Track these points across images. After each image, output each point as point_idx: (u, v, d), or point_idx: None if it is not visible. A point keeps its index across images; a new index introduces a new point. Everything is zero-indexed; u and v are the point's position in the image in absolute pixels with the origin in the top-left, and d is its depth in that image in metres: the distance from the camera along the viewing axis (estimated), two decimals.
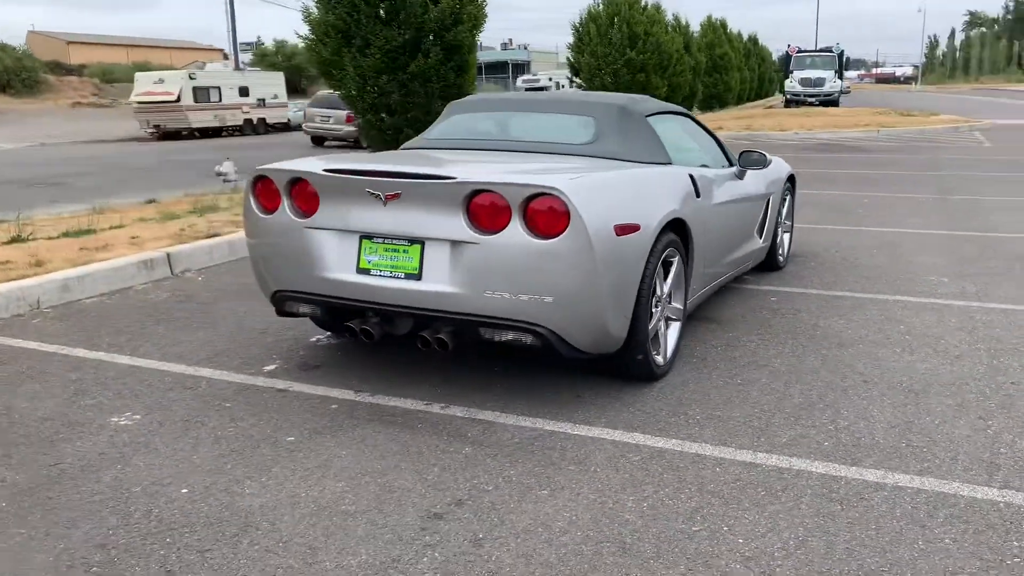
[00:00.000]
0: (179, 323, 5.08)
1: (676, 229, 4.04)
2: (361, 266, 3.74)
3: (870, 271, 6.33)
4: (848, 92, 46.08)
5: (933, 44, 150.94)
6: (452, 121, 4.87)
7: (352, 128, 21.48)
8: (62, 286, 5.58)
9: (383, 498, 2.94)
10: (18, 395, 3.93)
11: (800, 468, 3.13)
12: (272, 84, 34.53)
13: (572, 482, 3.04)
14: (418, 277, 3.62)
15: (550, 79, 60.16)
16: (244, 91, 32.77)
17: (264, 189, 4.00)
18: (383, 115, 15.51)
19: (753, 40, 57.24)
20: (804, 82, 38.34)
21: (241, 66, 42.92)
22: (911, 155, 16.27)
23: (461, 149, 4.54)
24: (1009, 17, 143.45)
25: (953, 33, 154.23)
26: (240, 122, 32.64)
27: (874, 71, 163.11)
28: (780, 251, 6.36)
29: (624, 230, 3.56)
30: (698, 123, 5.28)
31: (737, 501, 2.89)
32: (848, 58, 48.18)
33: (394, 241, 3.67)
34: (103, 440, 3.43)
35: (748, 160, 5.20)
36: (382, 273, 3.69)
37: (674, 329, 4.20)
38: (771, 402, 3.77)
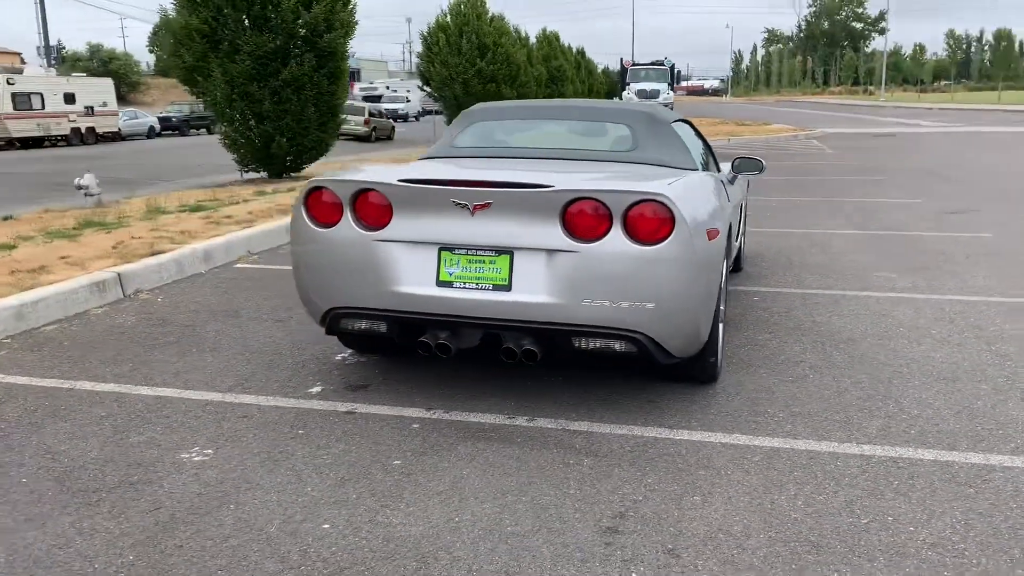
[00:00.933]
0: (174, 348, 4.68)
1: (727, 233, 4.15)
2: (442, 279, 3.60)
3: (822, 269, 6.73)
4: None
5: (738, 59, 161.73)
6: (477, 129, 4.77)
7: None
8: (16, 313, 5.01)
9: (542, 516, 2.85)
10: (50, 436, 3.50)
11: (909, 456, 3.30)
12: (100, 91, 32.29)
13: (715, 487, 3.06)
14: (507, 288, 3.53)
15: (387, 87, 59.86)
16: (70, 98, 30.47)
17: (319, 201, 3.77)
18: (251, 123, 14.92)
19: (581, 53, 59.26)
20: (640, 93, 40.01)
21: (49, 70, 39.74)
22: (773, 162, 17.32)
23: (502, 157, 4.46)
24: (801, 35, 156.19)
25: (755, 48, 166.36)
26: (67, 131, 30.33)
27: (684, 84, 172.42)
28: (740, 253, 6.65)
29: (711, 234, 3.63)
30: (695, 129, 5.44)
31: (880, 492, 3.01)
32: (679, 71, 50.78)
33: (479, 252, 3.56)
34: (189, 479, 3.12)
35: (744, 166, 5.40)
36: (466, 285, 3.57)
37: (720, 330, 4.30)
38: (833, 396, 3.94)
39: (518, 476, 3.14)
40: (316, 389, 4.04)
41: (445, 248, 3.60)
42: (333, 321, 3.87)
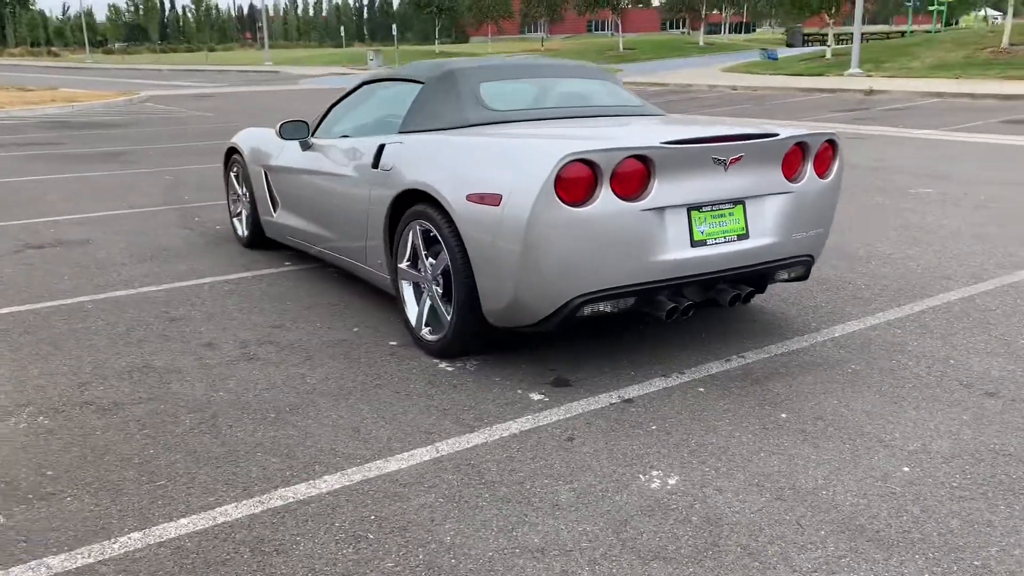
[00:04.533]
0: (293, 421, 3.31)
1: None
2: (695, 239, 3.59)
3: None
4: None
5: None
6: (492, 89, 4.28)
7: None
8: None
9: (954, 413, 3.41)
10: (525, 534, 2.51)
11: (970, 294, 4.67)
12: None
13: (963, 340, 3.98)
14: (746, 236, 3.73)
15: None
16: None
17: (569, 176, 3.30)
18: None
19: None
20: None
21: None
22: (178, 135, 16.48)
23: (556, 118, 4.22)
24: None
25: None
26: None
27: None
28: None
29: None
30: None
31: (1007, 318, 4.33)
32: None
33: (720, 206, 3.66)
34: (731, 496, 2.73)
35: None
36: (716, 241, 3.65)
37: None
38: (854, 283, 5.07)
39: (868, 394, 3.53)
40: (537, 396, 3.51)
41: (692, 207, 3.58)
42: (573, 311, 3.45)
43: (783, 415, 3.30)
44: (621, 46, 47.49)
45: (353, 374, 3.76)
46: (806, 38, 51.54)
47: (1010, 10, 25.81)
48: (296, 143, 5.13)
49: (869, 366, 3.80)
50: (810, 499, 2.69)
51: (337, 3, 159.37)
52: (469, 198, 3.52)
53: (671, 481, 2.80)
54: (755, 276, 3.84)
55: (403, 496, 2.72)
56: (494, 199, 3.41)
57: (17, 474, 2.88)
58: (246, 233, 6.11)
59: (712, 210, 3.61)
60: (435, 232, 3.77)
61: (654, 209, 3.44)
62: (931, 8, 49.63)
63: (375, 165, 4.24)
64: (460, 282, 3.65)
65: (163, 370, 3.81)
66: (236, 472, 2.88)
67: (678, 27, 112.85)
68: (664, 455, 2.98)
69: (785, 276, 4.01)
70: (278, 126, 4.95)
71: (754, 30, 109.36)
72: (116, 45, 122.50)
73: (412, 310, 4.10)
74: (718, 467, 2.90)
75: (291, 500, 2.70)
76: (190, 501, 2.70)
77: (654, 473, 2.86)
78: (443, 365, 3.84)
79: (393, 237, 4.18)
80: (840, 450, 3.01)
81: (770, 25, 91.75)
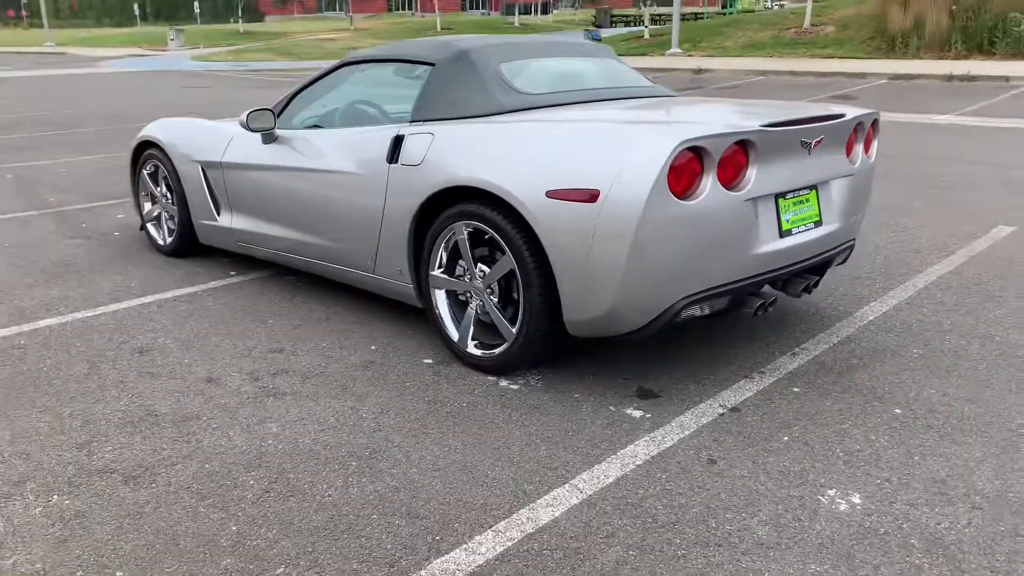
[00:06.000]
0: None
1: None
2: (783, 228, 3.37)
3: None
4: None
5: None
6: (512, 70, 3.82)
7: None
8: None
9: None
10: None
11: (955, 267, 4.75)
12: None
13: (997, 321, 4.01)
14: (819, 223, 3.56)
15: None
16: None
17: (678, 165, 2.97)
18: None
19: None
20: None
21: None
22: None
23: (585, 102, 3.83)
24: None
25: None
26: None
27: None
28: None
29: None
30: None
31: (1003, 290, 4.43)
32: None
33: (799, 192, 3.46)
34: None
35: None
36: (798, 229, 3.45)
37: None
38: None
39: (954, 379, 3.47)
40: (636, 412, 3.17)
41: (779, 195, 3.36)
42: (674, 316, 3.14)
43: (897, 410, 3.15)
44: (439, 26, 46.93)
45: (411, 403, 3.25)
46: (612, 19, 53.13)
47: None
48: (255, 135, 4.45)
49: (928, 348, 3.73)
50: (1004, 504, 2.53)
51: None
52: (550, 194, 3.10)
53: (856, 500, 2.56)
54: (820, 264, 3.66)
55: (587, 553, 2.31)
56: (589, 195, 3.01)
57: None
58: (169, 240, 5.30)
59: (794, 196, 3.40)
60: (492, 234, 3.32)
61: (752, 199, 3.17)
62: None
63: (392, 159, 3.70)
64: (535, 291, 3.22)
65: (175, 418, 3.13)
66: (365, 545, 2.35)
67: (478, 8, 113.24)
68: (823, 470, 2.73)
69: (836, 262, 3.87)
70: (244, 116, 4.26)
71: (550, 12, 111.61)
72: None
73: (450, 323, 3.63)
74: (886, 477, 2.69)
75: (459, 575, 2.22)
76: None
77: (831, 492, 2.60)
78: (504, 383, 3.41)
79: (421, 241, 3.67)
80: (984, 444, 2.89)
81: (572, 5, 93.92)
